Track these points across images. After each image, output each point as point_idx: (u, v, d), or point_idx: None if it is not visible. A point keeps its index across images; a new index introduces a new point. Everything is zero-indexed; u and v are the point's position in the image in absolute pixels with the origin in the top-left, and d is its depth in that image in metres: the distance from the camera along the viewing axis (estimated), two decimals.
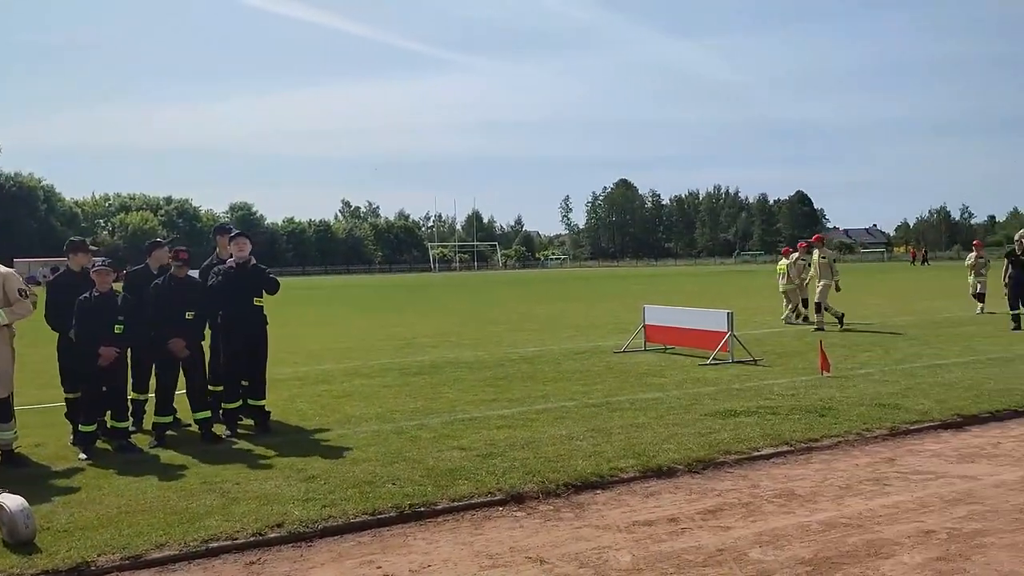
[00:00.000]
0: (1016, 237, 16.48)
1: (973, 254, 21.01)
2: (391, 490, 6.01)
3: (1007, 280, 16.58)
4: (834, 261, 17.36)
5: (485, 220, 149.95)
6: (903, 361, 11.95)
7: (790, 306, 18.93)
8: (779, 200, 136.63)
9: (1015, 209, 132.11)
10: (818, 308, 16.92)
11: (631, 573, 4.59)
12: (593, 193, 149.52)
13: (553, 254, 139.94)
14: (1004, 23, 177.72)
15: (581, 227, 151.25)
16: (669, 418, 8.28)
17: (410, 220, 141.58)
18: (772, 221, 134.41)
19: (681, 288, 38.89)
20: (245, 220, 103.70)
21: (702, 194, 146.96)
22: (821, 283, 16.81)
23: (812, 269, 17.57)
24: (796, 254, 18.88)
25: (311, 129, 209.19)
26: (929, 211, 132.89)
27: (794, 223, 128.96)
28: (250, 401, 8.38)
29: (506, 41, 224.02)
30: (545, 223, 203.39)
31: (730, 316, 12.56)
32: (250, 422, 8.44)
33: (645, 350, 13.92)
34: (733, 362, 12.09)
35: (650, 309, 14.50)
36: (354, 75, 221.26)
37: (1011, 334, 15.12)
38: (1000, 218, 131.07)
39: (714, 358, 12.22)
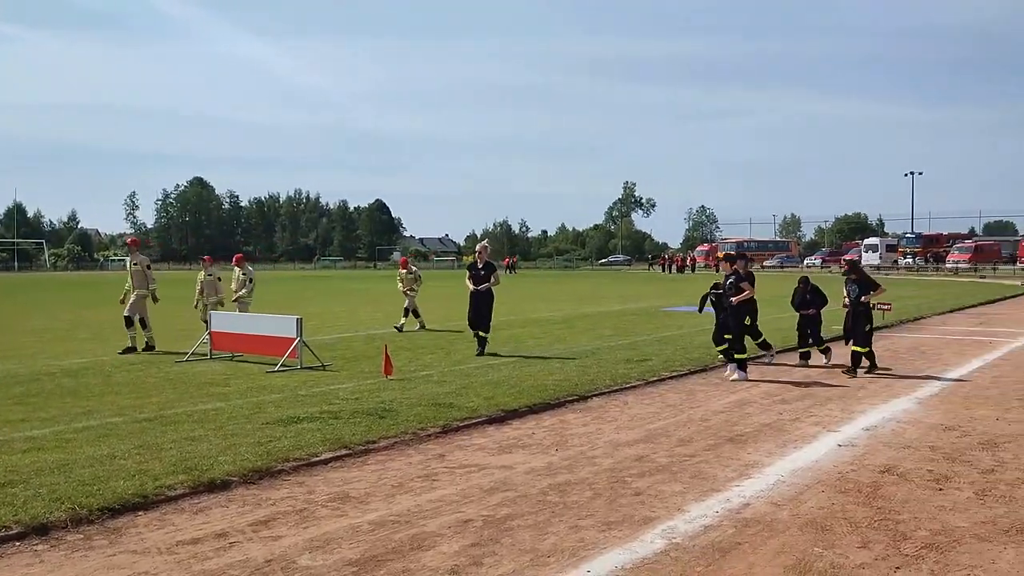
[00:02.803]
0: (477, 248, 15.85)
1: (403, 270, 19.93)
2: None
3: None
4: (218, 278, 17.09)
5: (30, 214, 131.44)
6: (461, 362, 12.90)
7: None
8: (359, 207, 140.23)
9: (563, 225, 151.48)
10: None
11: None
12: (164, 190, 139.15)
13: (115, 255, 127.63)
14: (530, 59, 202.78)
15: (150, 226, 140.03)
16: (228, 428, 7.92)
17: None
18: (352, 228, 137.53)
19: (256, 294, 37.83)
20: None
21: (283, 197, 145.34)
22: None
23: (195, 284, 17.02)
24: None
25: None
26: (494, 224, 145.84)
27: (373, 230, 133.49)
28: None
29: (62, 15, 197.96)
30: (106, 221, 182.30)
31: (299, 322, 12.48)
32: None
33: (211, 358, 13.26)
34: (302, 368, 12.03)
35: (217, 315, 13.86)
36: None
37: (553, 332, 17.10)
38: (551, 232, 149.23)
39: (282, 365, 12.04)
